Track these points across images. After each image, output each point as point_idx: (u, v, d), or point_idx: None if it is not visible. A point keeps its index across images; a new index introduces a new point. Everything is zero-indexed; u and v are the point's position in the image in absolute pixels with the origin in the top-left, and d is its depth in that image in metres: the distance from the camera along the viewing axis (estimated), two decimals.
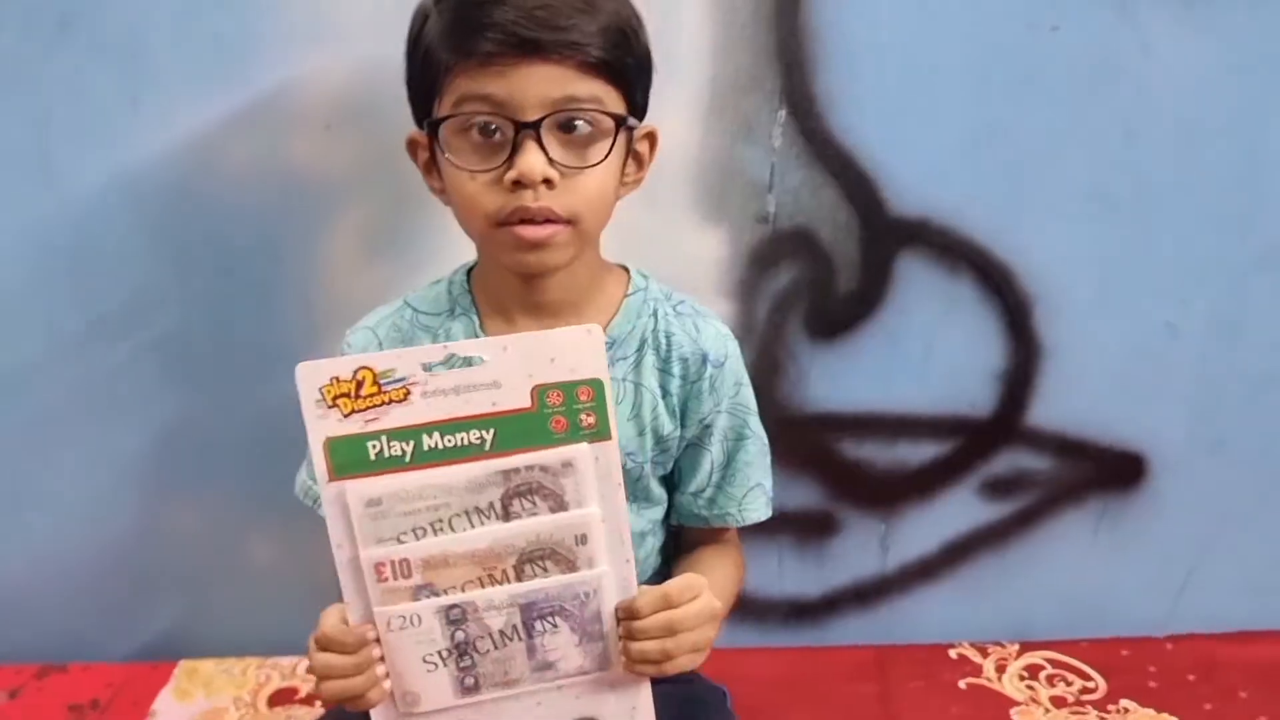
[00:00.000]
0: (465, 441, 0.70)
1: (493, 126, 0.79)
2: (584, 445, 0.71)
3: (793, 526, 1.25)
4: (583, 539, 0.72)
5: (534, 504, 0.71)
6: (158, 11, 1.05)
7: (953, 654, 1.26)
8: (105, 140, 1.09)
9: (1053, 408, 1.23)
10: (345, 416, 0.69)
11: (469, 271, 0.93)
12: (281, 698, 1.17)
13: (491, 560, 0.71)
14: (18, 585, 1.23)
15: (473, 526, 0.71)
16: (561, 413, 0.71)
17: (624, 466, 0.88)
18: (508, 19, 0.76)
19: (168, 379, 1.16)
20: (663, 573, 0.96)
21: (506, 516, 0.71)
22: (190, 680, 1.19)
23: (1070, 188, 1.16)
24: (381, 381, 0.69)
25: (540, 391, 0.70)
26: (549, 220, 0.80)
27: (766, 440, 0.95)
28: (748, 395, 0.94)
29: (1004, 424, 1.24)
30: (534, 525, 0.71)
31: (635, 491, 0.92)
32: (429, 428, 0.69)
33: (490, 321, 0.90)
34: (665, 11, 1.07)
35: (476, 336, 0.88)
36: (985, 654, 1.26)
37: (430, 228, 1.10)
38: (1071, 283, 1.19)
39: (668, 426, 0.91)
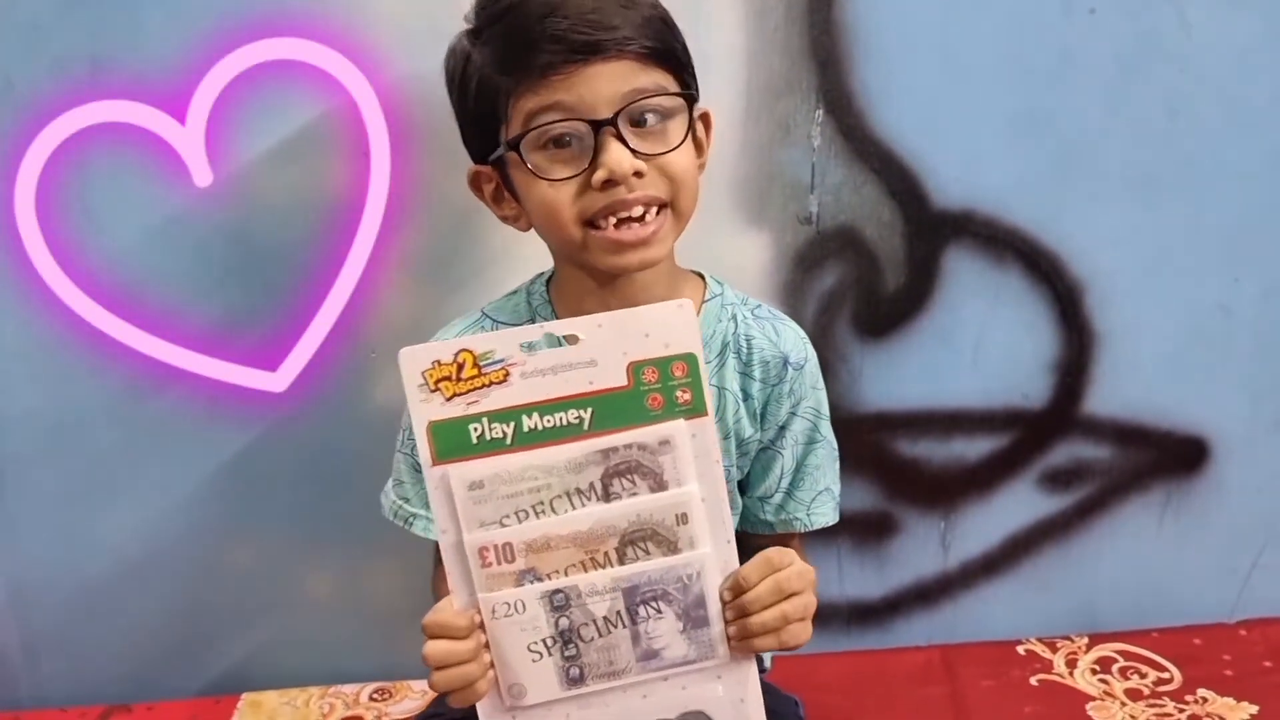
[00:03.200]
0: (564, 421, 0.70)
1: (567, 138, 0.80)
2: (680, 422, 0.71)
3: (851, 528, 1.24)
4: (683, 518, 0.71)
5: (633, 483, 0.71)
6: (188, 49, 1.06)
7: (1021, 650, 1.24)
8: (145, 180, 1.09)
9: (1109, 395, 1.22)
10: (447, 400, 0.70)
11: (547, 281, 0.92)
12: None
13: (593, 543, 0.71)
14: (78, 628, 1.23)
15: (574, 508, 0.71)
16: (657, 390, 0.71)
17: None
18: (562, 29, 0.77)
19: (219, 419, 1.16)
20: None
21: (607, 497, 0.71)
22: (254, 713, 1.18)
23: (1116, 171, 1.15)
24: (481, 363, 0.70)
25: (636, 369, 0.71)
26: (646, 209, 0.80)
27: (836, 444, 0.95)
28: (822, 399, 0.93)
29: (1060, 414, 1.22)
30: (634, 505, 0.71)
31: None
32: (528, 409, 0.70)
33: None
34: (697, 18, 1.06)
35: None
36: (1055, 649, 1.24)
37: (476, 252, 1.11)
38: (1121, 267, 1.18)
39: (749, 430, 0.91)
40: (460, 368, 0.70)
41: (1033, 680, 1.19)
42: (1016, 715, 1.14)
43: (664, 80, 0.81)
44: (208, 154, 1.09)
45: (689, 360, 0.71)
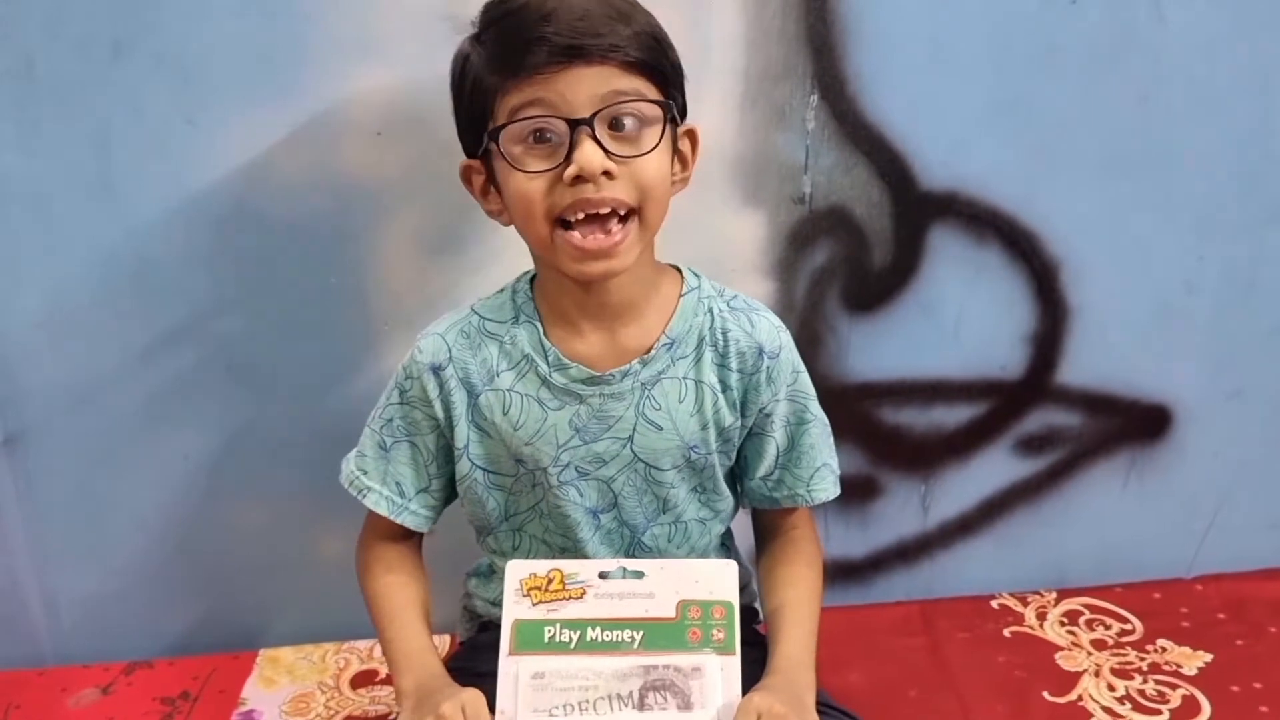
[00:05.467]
0: (620, 638, 0.84)
1: (547, 133, 0.83)
2: (713, 656, 0.83)
3: None
4: None
5: (665, 699, 0.82)
6: (208, 31, 1.09)
7: (995, 604, 1.32)
8: (164, 159, 1.12)
9: (1080, 366, 1.29)
10: (534, 605, 0.85)
11: (531, 280, 0.96)
12: (363, 680, 1.23)
13: None
14: (98, 589, 1.28)
15: (612, 711, 0.82)
16: (698, 625, 0.85)
17: (689, 458, 0.94)
18: (550, 32, 0.81)
19: (234, 385, 1.21)
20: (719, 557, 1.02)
21: (641, 706, 0.82)
22: (273, 668, 1.24)
23: (1090, 154, 1.21)
24: (567, 581, 0.86)
25: (684, 606, 0.85)
26: (614, 213, 0.84)
27: (828, 422, 1.00)
28: (805, 382, 0.98)
29: (1034, 384, 1.29)
30: (662, 718, 0.81)
31: (703, 482, 0.97)
32: (594, 622, 0.85)
33: (554, 328, 0.93)
34: (698, 6, 1.11)
35: (541, 344, 0.93)
36: (1025, 603, 1.32)
37: (483, 229, 1.13)
38: (1094, 246, 1.25)
39: (728, 419, 0.95)
40: (550, 581, 0.86)
41: (1005, 632, 1.27)
42: (990, 664, 1.22)
43: (644, 88, 0.84)
44: (225, 133, 1.12)
45: (727, 606, 0.85)
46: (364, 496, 0.98)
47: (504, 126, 0.84)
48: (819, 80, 1.16)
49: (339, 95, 1.12)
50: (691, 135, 0.92)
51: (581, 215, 0.84)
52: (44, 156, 1.11)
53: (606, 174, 0.83)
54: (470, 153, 0.91)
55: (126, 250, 1.15)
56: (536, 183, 0.84)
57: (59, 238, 1.14)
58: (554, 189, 0.84)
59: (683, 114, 0.91)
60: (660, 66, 0.86)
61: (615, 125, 0.83)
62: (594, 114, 0.82)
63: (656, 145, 0.85)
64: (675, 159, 0.90)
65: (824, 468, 0.99)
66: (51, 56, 1.08)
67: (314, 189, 1.14)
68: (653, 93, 0.85)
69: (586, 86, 0.82)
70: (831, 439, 1.01)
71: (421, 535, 1.01)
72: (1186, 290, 1.28)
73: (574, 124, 0.82)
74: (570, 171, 0.82)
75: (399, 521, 0.97)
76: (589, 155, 0.82)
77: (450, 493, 1.00)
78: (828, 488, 0.99)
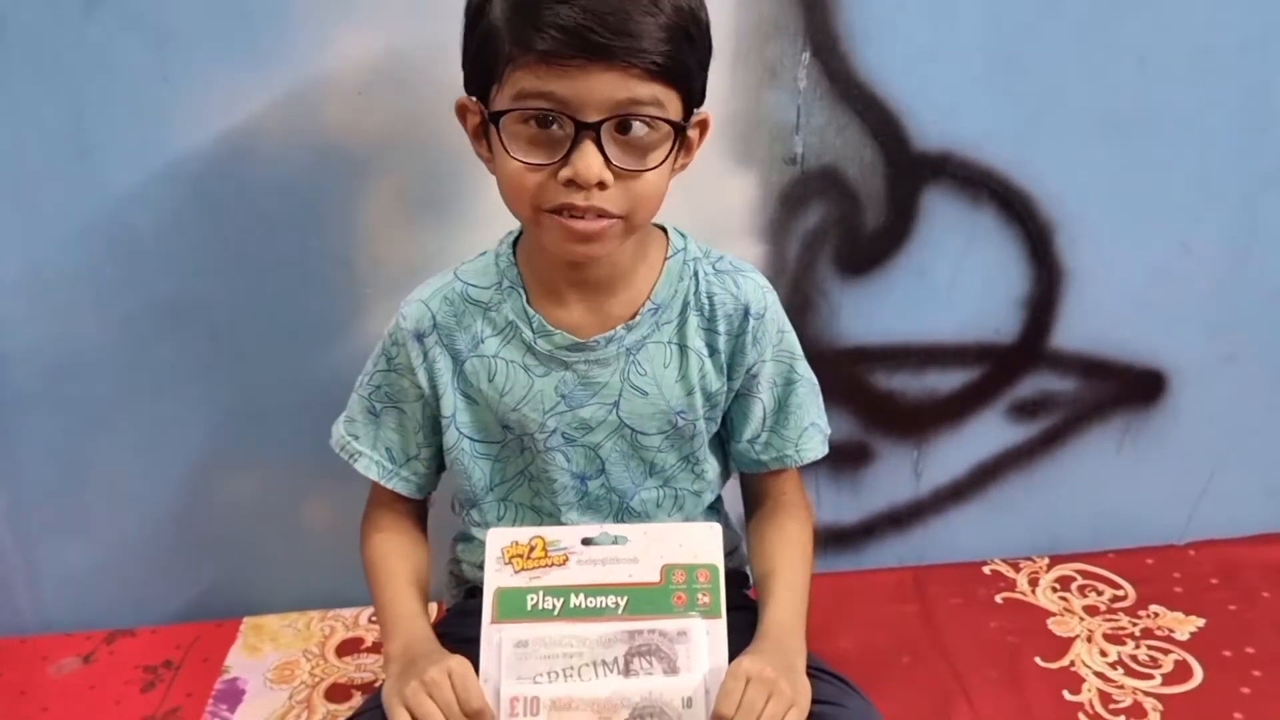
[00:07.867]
0: (603, 604, 0.83)
1: (551, 119, 0.79)
2: (698, 620, 0.82)
3: (829, 457, 1.23)
4: (689, 702, 0.80)
5: (650, 664, 0.81)
6: None
7: (987, 570, 1.31)
8: (140, 120, 1.10)
9: (1075, 330, 1.28)
10: (516, 573, 0.84)
11: (514, 242, 0.94)
12: (349, 647, 1.22)
13: (608, 710, 0.80)
14: (81, 558, 1.26)
15: (597, 677, 0.81)
16: (683, 590, 0.84)
17: (677, 424, 0.93)
18: (575, 20, 0.75)
19: (218, 353, 1.19)
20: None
21: (627, 672, 0.81)
22: (257, 636, 1.23)
23: (1087, 115, 1.19)
24: (550, 549, 0.85)
25: (668, 570, 0.84)
26: (600, 215, 0.81)
27: (816, 381, 0.98)
28: (792, 341, 0.96)
29: (1028, 348, 1.28)
30: (648, 683, 0.80)
31: (694, 452, 0.96)
32: (577, 589, 0.83)
33: (538, 299, 0.91)
34: None
35: (526, 314, 0.91)
36: (1018, 569, 1.31)
37: (467, 189, 1.13)
38: (1090, 208, 1.23)
39: (715, 383, 0.93)
40: (532, 549, 0.85)
41: (997, 598, 1.27)
42: (982, 630, 1.21)
43: (664, 96, 0.80)
44: (203, 94, 1.09)
45: (712, 570, 0.84)
46: (355, 461, 0.96)
47: (506, 112, 0.80)
48: (810, 38, 1.13)
49: (319, 54, 1.09)
50: (704, 124, 0.87)
51: (566, 215, 0.81)
52: (16, 118, 1.08)
53: (601, 184, 0.79)
54: (470, 89, 0.86)
55: (104, 214, 1.13)
56: (530, 173, 0.81)
57: (34, 202, 1.11)
58: (546, 183, 0.81)
59: (701, 98, 0.86)
60: (686, 69, 0.81)
61: (623, 128, 0.79)
62: (602, 121, 0.78)
63: (660, 164, 0.81)
64: (681, 149, 0.85)
65: (812, 427, 0.98)
66: (21, 14, 1.05)
67: (294, 150, 1.12)
68: (672, 101, 0.81)
69: (602, 89, 0.77)
70: (820, 398, 0.99)
71: (423, 502, 1.00)
72: (1183, 253, 1.26)
73: (580, 126, 0.78)
74: (565, 174, 0.79)
75: (390, 487, 0.96)
76: (586, 164, 0.78)
77: (440, 463, 0.98)
78: (816, 447, 0.98)
